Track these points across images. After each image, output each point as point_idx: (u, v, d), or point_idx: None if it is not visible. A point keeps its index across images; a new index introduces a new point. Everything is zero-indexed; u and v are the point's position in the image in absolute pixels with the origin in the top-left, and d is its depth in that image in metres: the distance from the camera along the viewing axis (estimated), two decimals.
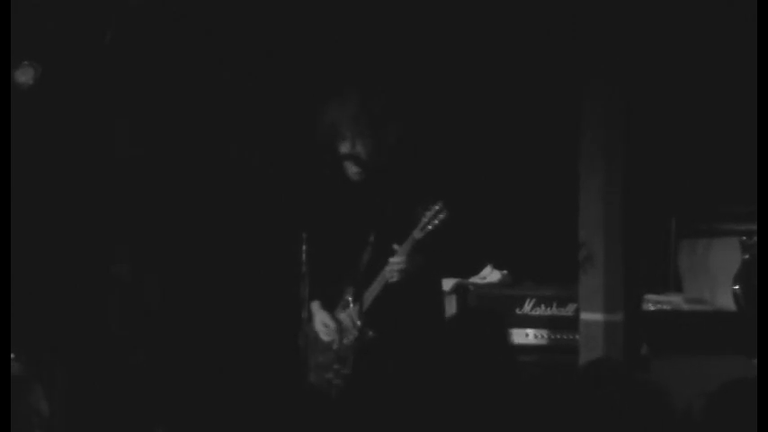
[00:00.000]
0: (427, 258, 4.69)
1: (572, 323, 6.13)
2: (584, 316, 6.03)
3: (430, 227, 4.59)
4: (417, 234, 4.61)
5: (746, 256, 6.27)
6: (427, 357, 4.72)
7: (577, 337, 6.06)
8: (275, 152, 6.24)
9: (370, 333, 4.72)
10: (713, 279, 6.59)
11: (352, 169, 4.84)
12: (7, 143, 4.35)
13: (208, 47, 6.14)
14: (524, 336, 6.21)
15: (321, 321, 4.81)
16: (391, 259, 4.65)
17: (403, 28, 6.44)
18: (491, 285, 6.44)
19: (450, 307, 6.29)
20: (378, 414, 4.59)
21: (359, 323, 4.72)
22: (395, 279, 4.66)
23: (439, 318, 4.96)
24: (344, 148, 4.82)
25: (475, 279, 6.48)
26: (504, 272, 6.50)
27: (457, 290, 6.33)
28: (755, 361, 5.79)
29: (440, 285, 5.12)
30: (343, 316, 4.80)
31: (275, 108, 6.31)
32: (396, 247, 4.64)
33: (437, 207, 4.57)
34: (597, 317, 5.99)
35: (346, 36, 6.38)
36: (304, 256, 4.71)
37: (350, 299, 4.78)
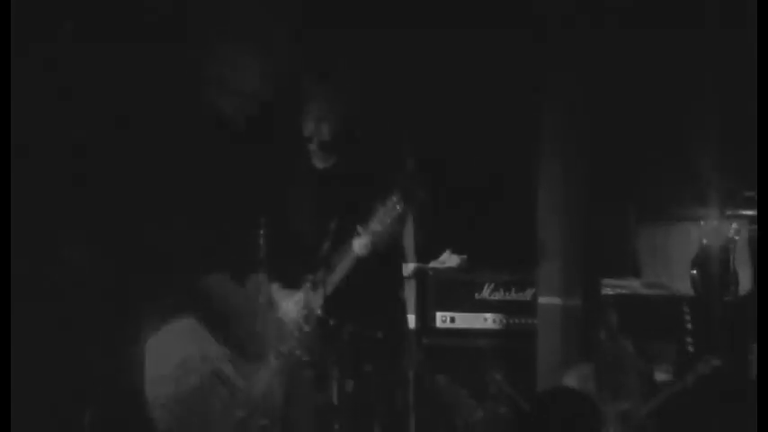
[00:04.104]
0: (386, 247, 4.71)
1: (530, 308, 6.17)
2: (543, 300, 6.08)
3: (387, 219, 4.59)
4: (375, 226, 4.61)
5: (704, 241, 6.32)
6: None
7: (536, 321, 6.10)
8: (236, 136, 6.21)
9: (331, 321, 4.72)
10: (671, 264, 6.65)
11: (314, 150, 4.85)
12: (7, 143, 4.32)
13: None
14: (483, 320, 6.23)
15: (289, 300, 4.79)
16: (357, 239, 4.68)
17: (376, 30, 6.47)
18: (450, 270, 6.45)
19: (410, 290, 6.32)
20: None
21: (320, 310, 4.73)
22: (364, 253, 4.68)
23: (398, 304, 4.98)
24: (308, 130, 4.83)
25: (434, 264, 6.49)
26: (464, 256, 6.51)
27: (416, 274, 6.35)
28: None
29: (400, 270, 5.14)
30: (304, 300, 4.80)
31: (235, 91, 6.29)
32: (359, 228, 4.65)
33: (393, 199, 4.58)
34: (555, 301, 6.04)
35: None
36: (262, 240, 4.70)
37: (310, 285, 4.77)
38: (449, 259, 6.51)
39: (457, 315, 6.28)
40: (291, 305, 4.77)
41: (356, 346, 4.68)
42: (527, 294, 6.24)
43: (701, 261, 6.36)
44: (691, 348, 5.90)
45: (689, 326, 5.99)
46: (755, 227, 6.23)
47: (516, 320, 6.22)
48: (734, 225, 6.24)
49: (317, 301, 4.71)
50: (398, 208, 4.55)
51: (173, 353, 4.93)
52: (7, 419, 3.95)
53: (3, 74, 4.51)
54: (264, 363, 4.82)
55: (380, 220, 4.58)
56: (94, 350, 5.46)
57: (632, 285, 6.56)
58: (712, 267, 6.30)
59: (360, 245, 4.64)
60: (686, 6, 6.20)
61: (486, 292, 6.28)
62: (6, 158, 4.40)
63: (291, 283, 4.83)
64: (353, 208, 4.68)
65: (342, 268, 4.69)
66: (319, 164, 4.88)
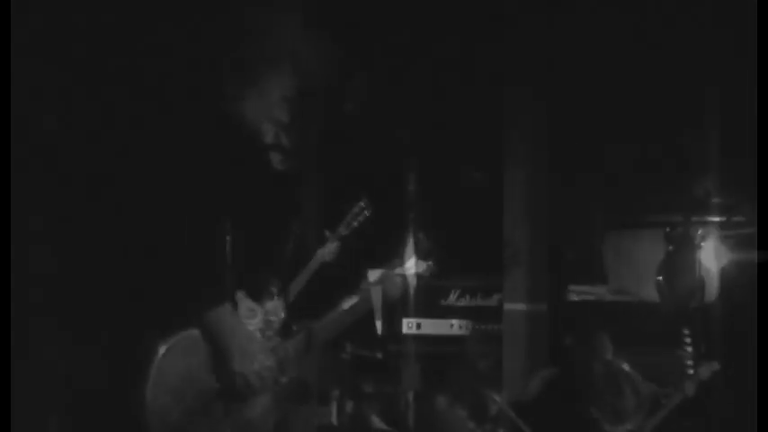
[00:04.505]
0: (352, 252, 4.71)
1: (496, 313, 6.15)
2: (508, 306, 6.07)
3: (355, 224, 4.58)
4: (343, 230, 4.60)
5: (670, 247, 6.32)
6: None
7: (501, 327, 6.09)
8: (197, 140, 6.15)
9: (294, 327, 4.68)
10: (638, 270, 6.64)
11: (276, 159, 4.80)
12: (7, 143, 4.26)
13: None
14: (449, 326, 6.21)
15: (247, 307, 4.74)
16: (324, 248, 4.65)
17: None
18: (416, 276, 6.41)
19: (377, 297, 6.27)
20: None
21: (283, 315, 4.68)
22: (329, 260, 4.66)
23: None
24: (268, 138, 4.78)
25: (400, 270, 6.45)
26: (429, 262, 6.48)
27: (382, 280, 6.31)
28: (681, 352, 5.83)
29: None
30: (268, 307, 4.75)
31: (198, 96, 6.23)
32: (327, 233, 4.63)
33: (361, 204, 4.57)
34: (521, 307, 6.03)
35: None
36: (227, 246, 4.65)
37: (275, 290, 4.72)
38: (415, 265, 6.48)
39: (423, 321, 6.25)
40: (254, 304, 4.73)
41: (356, 367, 4.66)
42: (493, 300, 6.23)
43: (666, 267, 6.35)
44: (688, 360, 5.88)
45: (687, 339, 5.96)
46: (722, 233, 6.25)
47: (482, 326, 6.21)
48: (700, 231, 6.23)
49: (280, 308, 4.67)
50: (366, 213, 4.55)
51: (178, 364, 4.86)
52: (7, 422, 3.90)
53: (3, 74, 4.46)
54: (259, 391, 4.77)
55: (347, 226, 4.57)
56: (99, 355, 5.42)
57: (599, 292, 6.56)
58: (678, 274, 6.30)
59: (326, 251, 4.62)
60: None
61: (452, 298, 6.26)
62: (7, 166, 4.35)
63: (255, 291, 4.79)
64: (318, 213, 4.67)
65: (306, 274, 4.66)
66: (282, 167, 4.83)
